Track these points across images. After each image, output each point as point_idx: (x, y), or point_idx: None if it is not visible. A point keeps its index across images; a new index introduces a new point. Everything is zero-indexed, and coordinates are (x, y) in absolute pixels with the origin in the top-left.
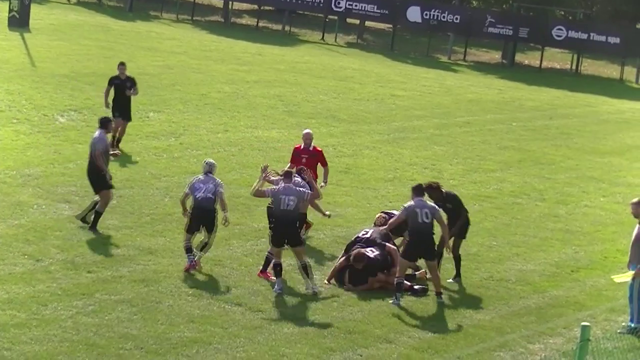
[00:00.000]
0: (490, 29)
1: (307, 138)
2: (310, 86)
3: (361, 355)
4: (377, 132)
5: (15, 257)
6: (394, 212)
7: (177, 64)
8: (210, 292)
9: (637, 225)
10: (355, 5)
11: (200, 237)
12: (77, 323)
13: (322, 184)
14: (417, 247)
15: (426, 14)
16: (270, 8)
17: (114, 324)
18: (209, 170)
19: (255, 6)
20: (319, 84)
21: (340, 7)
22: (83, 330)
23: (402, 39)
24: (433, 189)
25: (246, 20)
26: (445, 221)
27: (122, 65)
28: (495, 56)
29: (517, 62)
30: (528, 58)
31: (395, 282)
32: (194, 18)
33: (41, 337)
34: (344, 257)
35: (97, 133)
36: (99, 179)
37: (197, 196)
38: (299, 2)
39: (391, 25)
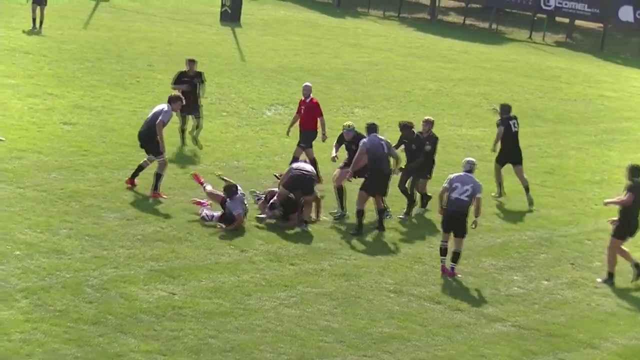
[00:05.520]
0: None
1: (305, 90)
2: (516, 85)
3: None
4: (584, 133)
5: (222, 247)
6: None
7: (382, 61)
8: (410, 288)
9: None
10: (565, 4)
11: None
12: (279, 314)
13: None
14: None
15: (639, 14)
16: (478, 6)
17: (315, 317)
18: (469, 169)
19: (463, 4)
20: (525, 83)
21: (550, 6)
22: (286, 321)
23: (613, 38)
24: (405, 127)
25: (452, 18)
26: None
27: (191, 61)
28: None
29: None
30: None
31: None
32: (401, 15)
33: (245, 327)
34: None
35: (165, 106)
36: (152, 145)
37: (452, 196)
38: (507, 0)
39: (602, 25)
